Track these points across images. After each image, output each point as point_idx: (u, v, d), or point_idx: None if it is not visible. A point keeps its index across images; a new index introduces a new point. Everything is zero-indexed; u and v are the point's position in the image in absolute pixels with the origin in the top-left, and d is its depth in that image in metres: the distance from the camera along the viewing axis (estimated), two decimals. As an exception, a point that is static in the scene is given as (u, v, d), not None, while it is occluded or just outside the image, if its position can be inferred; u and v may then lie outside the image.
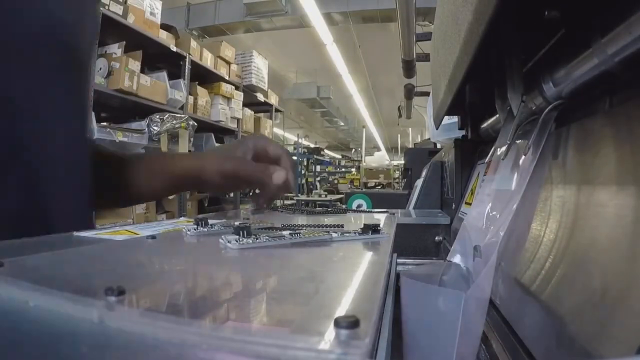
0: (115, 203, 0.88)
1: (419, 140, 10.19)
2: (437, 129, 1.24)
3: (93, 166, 0.69)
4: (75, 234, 0.39)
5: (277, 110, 6.55)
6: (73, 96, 0.63)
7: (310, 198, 8.35)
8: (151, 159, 0.84)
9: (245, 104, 5.48)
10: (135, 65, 3.47)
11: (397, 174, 11.83)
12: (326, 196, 8.59)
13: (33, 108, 0.55)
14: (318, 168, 13.39)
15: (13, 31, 0.52)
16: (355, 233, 0.42)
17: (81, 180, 0.64)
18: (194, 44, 4.48)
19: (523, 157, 0.47)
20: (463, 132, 0.94)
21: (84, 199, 0.65)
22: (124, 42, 3.42)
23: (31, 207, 0.54)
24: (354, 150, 17.63)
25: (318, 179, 12.85)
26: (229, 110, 5.06)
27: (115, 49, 3.38)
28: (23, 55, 0.54)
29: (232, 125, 5.16)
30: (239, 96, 5.28)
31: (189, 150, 3.96)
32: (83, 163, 0.65)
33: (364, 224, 0.43)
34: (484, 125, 0.79)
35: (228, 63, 5.13)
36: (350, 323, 0.17)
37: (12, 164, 0.52)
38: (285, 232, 0.40)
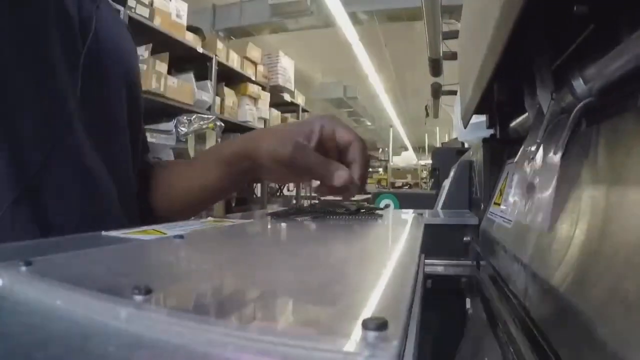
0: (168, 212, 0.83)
1: (446, 139, 10.10)
2: (465, 128, 1.22)
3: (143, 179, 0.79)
4: (103, 233, 0.39)
5: (304, 111, 6.55)
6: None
7: (337, 198, 8.31)
8: (202, 152, 0.88)
9: (272, 105, 5.50)
10: (162, 67, 3.51)
11: (424, 174, 11.75)
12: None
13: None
14: (345, 168, 13.33)
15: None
16: None
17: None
18: (220, 45, 4.50)
19: (553, 156, 0.46)
20: (491, 131, 0.92)
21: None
22: (151, 44, 3.46)
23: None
24: (381, 150, 17.56)
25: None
26: (256, 110, 5.08)
27: (142, 51, 3.42)
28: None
29: (260, 125, 5.18)
30: (265, 97, 5.31)
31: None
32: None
33: None
34: (513, 124, 0.77)
35: (254, 64, 5.15)
36: (378, 325, 0.16)
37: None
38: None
